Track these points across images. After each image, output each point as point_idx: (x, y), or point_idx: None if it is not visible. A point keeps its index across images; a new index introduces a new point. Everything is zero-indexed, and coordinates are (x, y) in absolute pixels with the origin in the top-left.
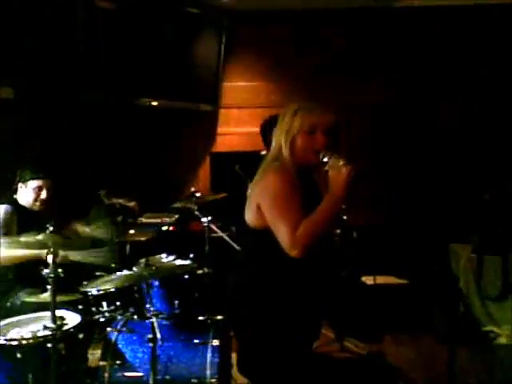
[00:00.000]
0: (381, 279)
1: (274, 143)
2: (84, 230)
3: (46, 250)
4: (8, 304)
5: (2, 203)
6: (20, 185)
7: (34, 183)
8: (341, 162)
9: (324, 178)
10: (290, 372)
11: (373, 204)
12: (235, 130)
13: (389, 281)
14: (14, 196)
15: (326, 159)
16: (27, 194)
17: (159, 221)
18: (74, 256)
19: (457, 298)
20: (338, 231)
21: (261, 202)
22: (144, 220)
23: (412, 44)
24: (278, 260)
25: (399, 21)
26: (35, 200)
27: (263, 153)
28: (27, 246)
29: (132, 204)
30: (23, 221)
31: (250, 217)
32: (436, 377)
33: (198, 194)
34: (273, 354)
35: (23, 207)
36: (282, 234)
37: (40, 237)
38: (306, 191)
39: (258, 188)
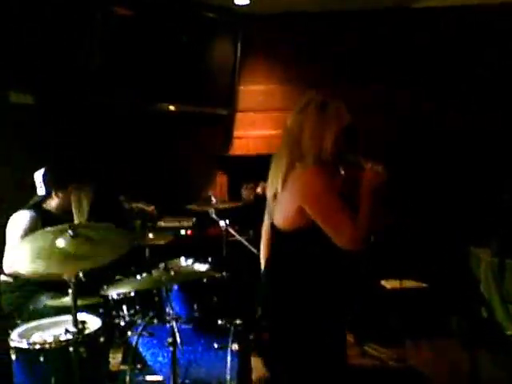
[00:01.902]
0: (400, 283)
1: (293, 139)
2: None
3: None
4: (31, 307)
5: (26, 209)
6: (57, 192)
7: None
8: (379, 166)
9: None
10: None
11: (391, 207)
12: (251, 133)
13: (409, 285)
14: (42, 203)
15: (356, 160)
16: (64, 200)
17: (177, 225)
18: None
19: (478, 302)
20: None
21: (306, 204)
22: (162, 224)
23: (430, 45)
24: (316, 259)
25: (417, 22)
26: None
27: None
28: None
29: (150, 208)
30: (46, 226)
31: (283, 220)
32: (458, 382)
33: (214, 199)
34: (307, 355)
35: (47, 212)
36: (346, 231)
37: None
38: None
39: (294, 190)
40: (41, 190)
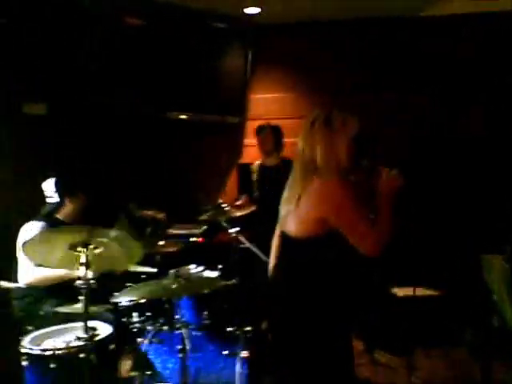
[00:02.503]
0: (411, 291)
1: (309, 151)
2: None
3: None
4: (41, 313)
5: (36, 220)
6: (70, 199)
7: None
8: (394, 172)
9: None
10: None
11: (402, 215)
12: None
13: (421, 292)
14: (54, 212)
15: (371, 166)
16: (76, 208)
17: (187, 232)
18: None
19: (491, 310)
20: None
21: (328, 214)
22: (173, 231)
23: (440, 53)
24: (329, 266)
25: (427, 30)
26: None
27: None
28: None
29: (161, 216)
30: None
31: (299, 228)
32: None
33: (224, 206)
34: (312, 361)
35: (58, 222)
36: (368, 237)
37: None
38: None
39: (315, 201)
40: (53, 199)
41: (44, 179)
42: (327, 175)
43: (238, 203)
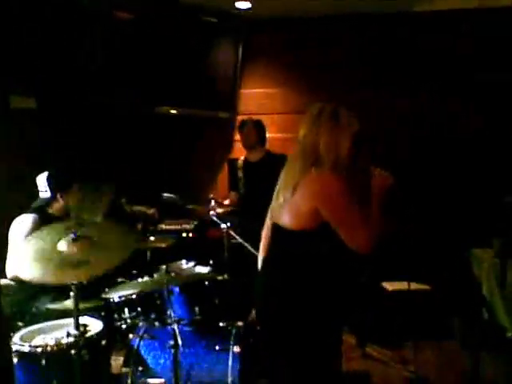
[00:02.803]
0: (402, 285)
1: (309, 146)
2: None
3: None
4: (33, 310)
5: (28, 212)
6: (62, 194)
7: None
8: (384, 172)
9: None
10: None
11: (392, 209)
12: None
13: (411, 287)
14: (46, 206)
15: (365, 165)
16: (68, 202)
17: (178, 227)
18: None
19: (480, 304)
20: None
21: (321, 206)
22: (163, 227)
23: (434, 49)
24: (322, 259)
25: (420, 26)
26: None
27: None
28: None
29: (152, 211)
30: None
31: (293, 219)
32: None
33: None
34: (301, 353)
35: (50, 216)
36: (358, 232)
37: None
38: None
39: (310, 192)
40: (45, 194)
41: (37, 174)
42: (326, 167)
43: (225, 202)
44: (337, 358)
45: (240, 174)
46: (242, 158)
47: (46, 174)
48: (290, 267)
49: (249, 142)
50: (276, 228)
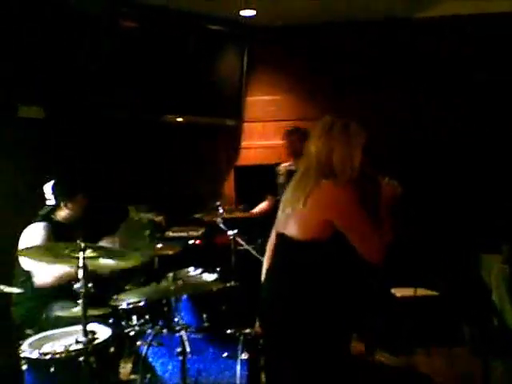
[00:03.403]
0: (411, 291)
1: (318, 157)
2: (113, 245)
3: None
4: (43, 317)
5: (38, 221)
6: (66, 202)
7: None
8: (393, 182)
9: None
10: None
11: (401, 215)
12: (259, 143)
13: (420, 293)
14: (51, 213)
15: (373, 175)
16: (73, 210)
17: (186, 234)
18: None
19: (490, 309)
20: None
21: (334, 217)
22: (171, 234)
23: (434, 55)
24: (331, 269)
25: (421, 32)
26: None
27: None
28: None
29: (159, 218)
30: (58, 236)
31: (302, 230)
32: None
33: (221, 209)
34: (307, 362)
35: (57, 223)
36: (372, 243)
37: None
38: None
39: (321, 204)
40: (50, 201)
41: (44, 182)
42: (340, 179)
43: (261, 206)
44: (344, 368)
45: (281, 179)
46: (284, 164)
47: (52, 182)
48: (297, 278)
49: (295, 150)
50: (282, 238)
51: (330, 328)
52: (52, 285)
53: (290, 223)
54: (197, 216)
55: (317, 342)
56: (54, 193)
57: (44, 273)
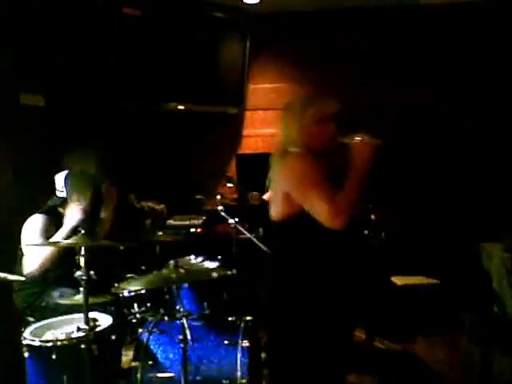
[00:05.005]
0: (412, 279)
1: (283, 137)
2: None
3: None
4: (43, 304)
5: (40, 213)
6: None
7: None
8: (366, 139)
9: (343, 161)
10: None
11: (401, 204)
12: (261, 131)
13: (420, 281)
14: (59, 206)
15: (345, 141)
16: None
17: (187, 223)
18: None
19: (490, 298)
20: (367, 232)
21: (290, 189)
22: (172, 222)
23: (439, 42)
24: (310, 243)
25: (425, 19)
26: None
27: None
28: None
29: (160, 207)
30: (59, 227)
31: (277, 210)
32: (470, 377)
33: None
34: (306, 343)
35: (59, 215)
36: (323, 208)
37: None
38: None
39: (281, 178)
40: (61, 193)
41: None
42: (299, 153)
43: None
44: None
45: None
46: None
47: (64, 173)
48: (283, 257)
49: None
50: (271, 224)
51: (322, 314)
52: (40, 270)
53: (272, 207)
54: (197, 197)
55: (309, 330)
56: (66, 185)
57: (29, 259)
